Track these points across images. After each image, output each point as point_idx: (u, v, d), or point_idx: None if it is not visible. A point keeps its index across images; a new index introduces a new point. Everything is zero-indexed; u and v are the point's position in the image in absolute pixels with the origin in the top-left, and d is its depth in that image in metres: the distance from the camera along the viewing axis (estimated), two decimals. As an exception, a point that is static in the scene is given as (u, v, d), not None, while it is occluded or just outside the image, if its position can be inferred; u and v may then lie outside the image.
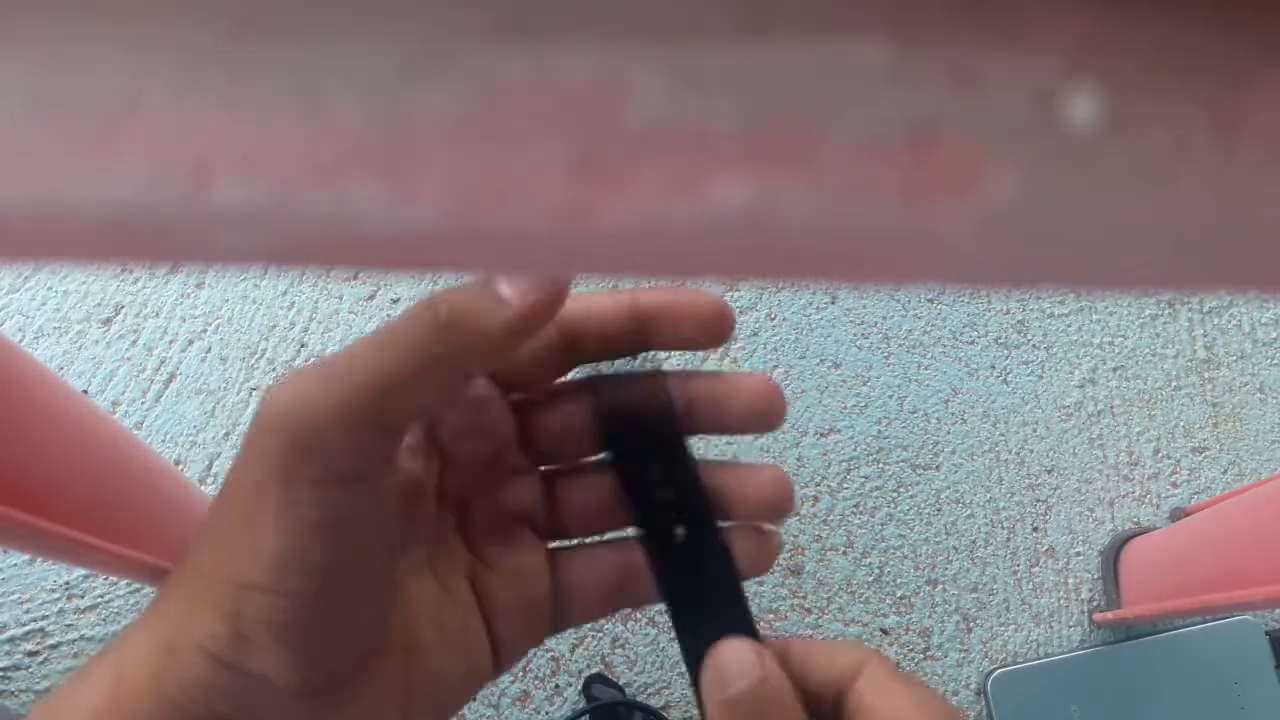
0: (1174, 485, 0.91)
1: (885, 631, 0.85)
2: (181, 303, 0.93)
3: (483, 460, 0.27)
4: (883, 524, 0.88)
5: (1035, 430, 0.92)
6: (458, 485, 0.27)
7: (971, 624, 0.85)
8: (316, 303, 0.94)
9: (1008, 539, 0.89)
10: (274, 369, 0.92)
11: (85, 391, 0.90)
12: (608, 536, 0.28)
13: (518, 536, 0.27)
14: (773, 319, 0.95)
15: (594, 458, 0.28)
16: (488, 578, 0.27)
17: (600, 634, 0.83)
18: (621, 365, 0.27)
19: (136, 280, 0.94)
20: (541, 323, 0.22)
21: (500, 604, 0.27)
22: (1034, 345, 0.95)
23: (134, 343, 0.92)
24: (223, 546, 0.22)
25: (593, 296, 0.26)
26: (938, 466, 0.90)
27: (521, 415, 0.27)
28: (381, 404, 0.21)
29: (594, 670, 0.81)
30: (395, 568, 0.25)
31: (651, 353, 0.27)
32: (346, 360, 0.21)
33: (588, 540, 0.28)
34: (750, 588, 0.30)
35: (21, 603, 0.82)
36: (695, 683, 0.25)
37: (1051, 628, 0.85)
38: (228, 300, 0.93)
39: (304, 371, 0.22)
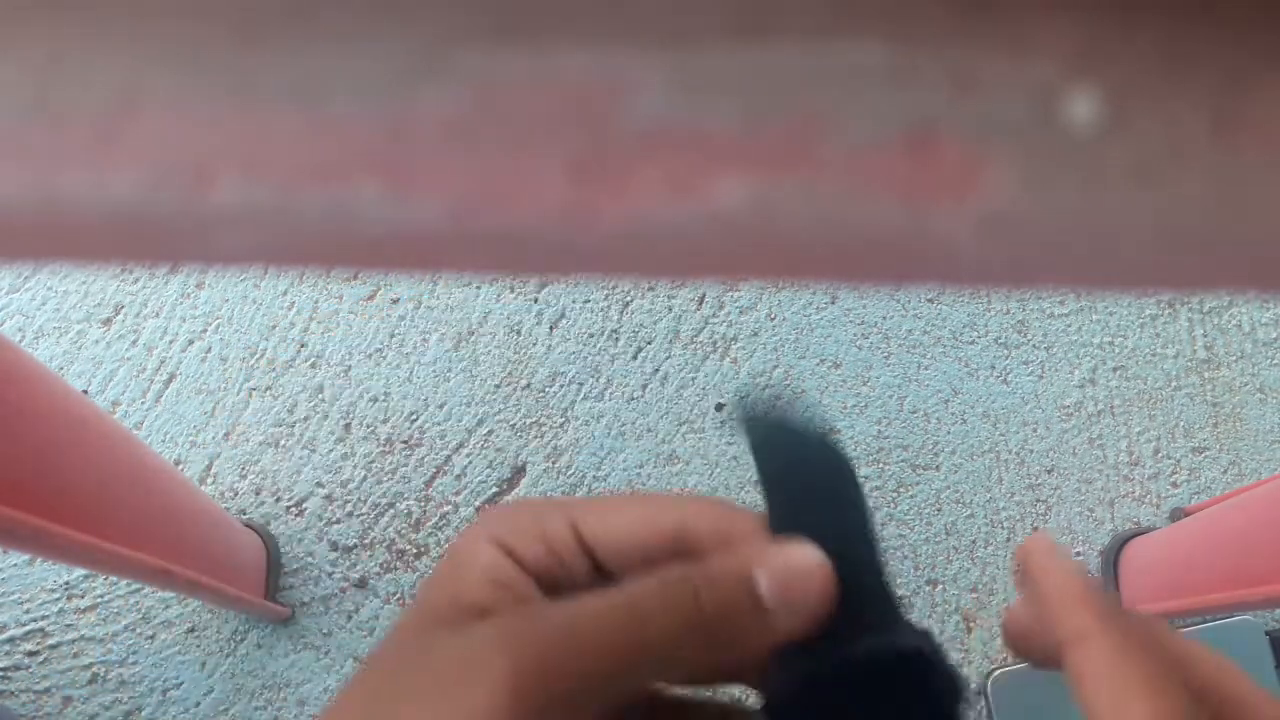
0: (1174, 485, 0.91)
1: (885, 631, 0.85)
2: (181, 303, 0.93)
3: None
4: (883, 524, 0.88)
5: (1035, 430, 0.92)
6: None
7: (971, 624, 0.85)
8: (316, 303, 0.94)
9: (1008, 539, 0.89)
10: (274, 369, 0.92)
11: (85, 391, 0.90)
12: None
13: None
14: (773, 319, 0.95)
15: None
16: None
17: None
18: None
19: (136, 280, 0.94)
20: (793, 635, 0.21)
21: None
22: (1034, 345, 0.95)
23: (134, 343, 0.92)
24: None
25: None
26: (938, 466, 0.90)
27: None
28: (624, 677, 0.20)
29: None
30: None
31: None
32: (595, 621, 0.20)
33: None
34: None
35: (21, 603, 0.82)
36: None
37: (1051, 628, 0.85)
38: (228, 300, 0.93)
39: (533, 614, 0.20)
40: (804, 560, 0.21)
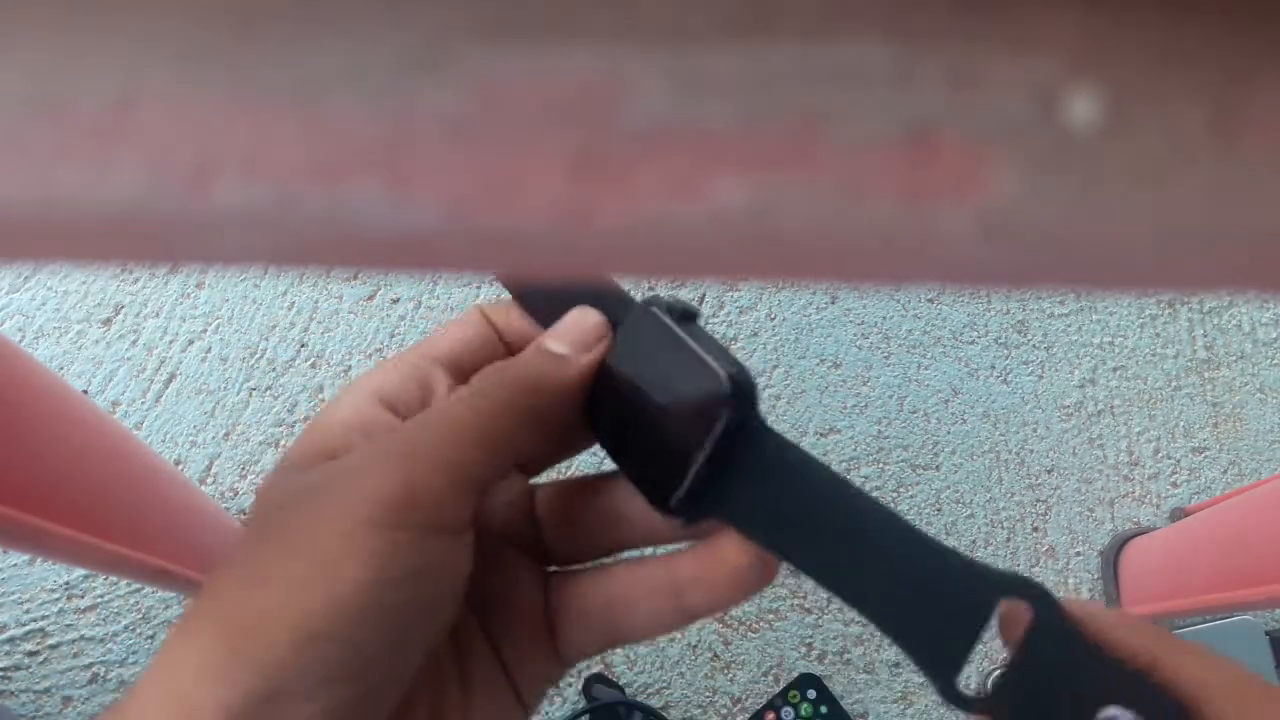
0: (1174, 485, 0.91)
1: (885, 631, 0.85)
2: (181, 303, 0.93)
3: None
4: (883, 524, 0.88)
5: (1035, 430, 0.92)
6: None
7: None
8: (316, 303, 0.94)
9: (1008, 539, 0.89)
10: (274, 369, 0.92)
11: (85, 391, 0.90)
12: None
13: (510, 560, 0.27)
14: (773, 319, 0.95)
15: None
16: (496, 615, 0.26)
17: (600, 634, 0.83)
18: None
19: (136, 280, 0.94)
20: (594, 371, 0.25)
21: (512, 642, 0.26)
22: (1034, 345, 0.95)
23: (134, 343, 0.92)
24: (274, 592, 0.20)
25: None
26: (938, 466, 0.90)
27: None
28: (485, 460, 0.23)
29: (594, 670, 0.81)
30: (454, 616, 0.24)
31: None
32: (448, 419, 0.23)
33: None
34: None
35: (21, 603, 0.82)
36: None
37: (1051, 628, 0.85)
38: (228, 300, 0.93)
39: (399, 431, 0.23)
40: (575, 313, 0.26)
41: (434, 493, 0.21)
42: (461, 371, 0.26)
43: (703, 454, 0.23)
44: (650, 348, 0.25)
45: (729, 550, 0.24)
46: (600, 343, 0.25)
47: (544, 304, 0.27)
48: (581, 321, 0.25)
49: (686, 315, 0.25)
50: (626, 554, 0.27)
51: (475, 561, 0.25)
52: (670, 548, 0.26)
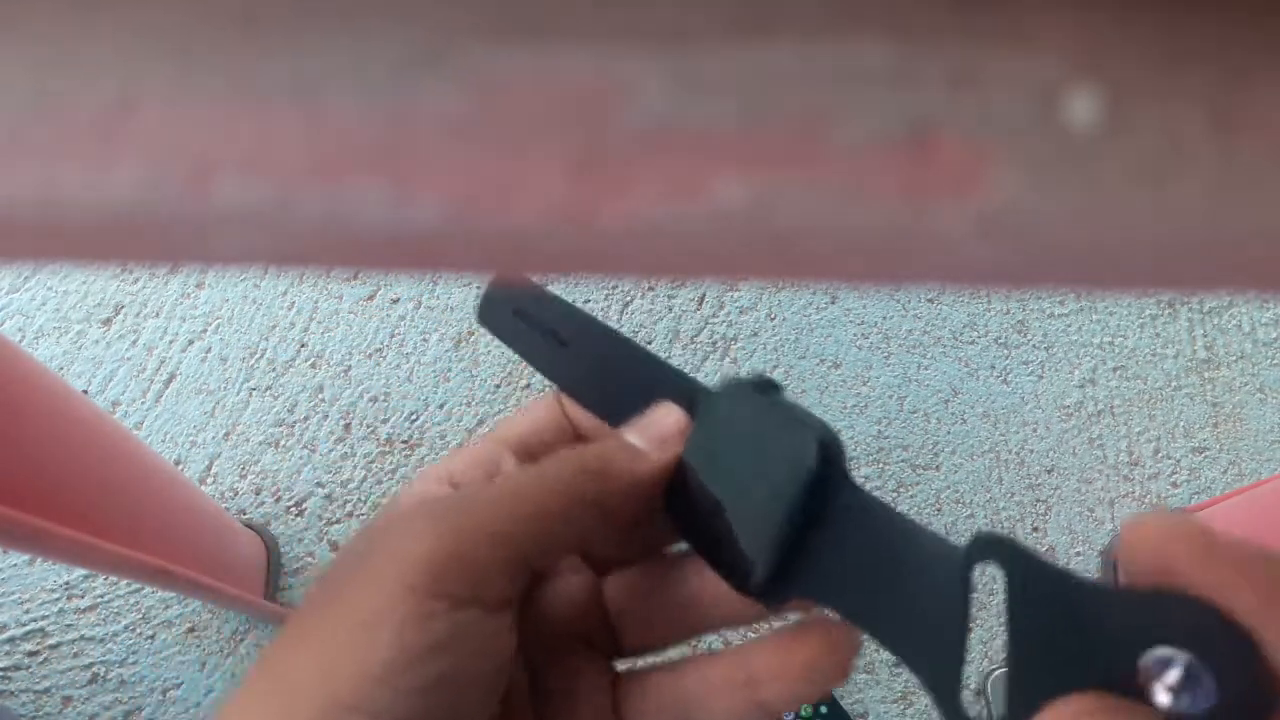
0: (1174, 485, 0.91)
1: (885, 631, 0.85)
2: (181, 303, 0.93)
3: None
4: (883, 524, 0.88)
5: (1035, 430, 0.92)
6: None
7: (971, 624, 0.85)
8: (316, 303, 0.94)
9: (1008, 539, 0.88)
10: (274, 369, 0.92)
11: (85, 391, 0.90)
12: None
13: (576, 657, 0.26)
14: (773, 319, 0.95)
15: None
16: (553, 706, 0.25)
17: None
18: None
19: (136, 280, 0.94)
20: (670, 470, 0.24)
21: None
22: (1034, 345, 0.95)
23: (134, 343, 0.92)
24: (309, 659, 0.20)
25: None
26: (938, 466, 0.90)
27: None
28: (536, 537, 0.22)
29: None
30: (495, 706, 0.23)
31: None
32: (502, 490, 0.22)
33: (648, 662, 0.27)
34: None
35: (21, 603, 0.82)
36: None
37: (1051, 628, 0.85)
38: (228, 300, 0.93)
39: (451, 495, 0.23)
40: (659, 410, 0.26)
41: (477, 561, 0.21)
42: (532, 457, 0.26)
43: (785, 528, 0.22)
44: (730, 425, 0.24)
45: (804, 645, 0.24)
46: (678, 440, 0.25)
47: (608, 401, 0.26)
48: (663, 419, 0.25)
49: (766, 387, 0.24)
50: (698, 647, 0.26)
51: (540, 658, 0.25)
52: (744, 630, 0.26)
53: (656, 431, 0.25)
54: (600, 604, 0.27)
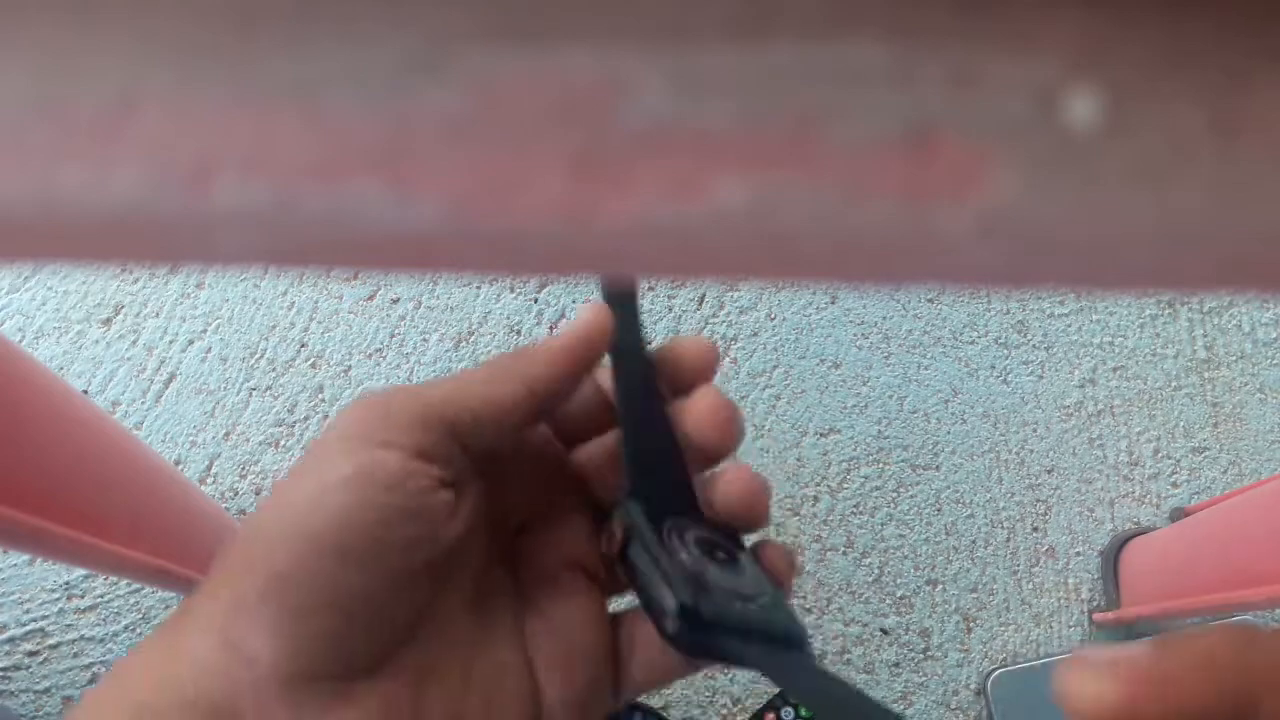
0: (1174, 485, 0.91)
1: (885, 631, 0.85)
2: (181, 303, 0.93)
3: (536, 494, 0.28)
4: (883, 524, 0.88)
5: (1035, 430, 0.92)
6: (506, 521, 0.27)
7: (971, 624, 0.85)
8: (316, 303, 0.94)
9: (1008, 539, 0.88)
10: (274, 369, 0.92)
11: (85, 391, 0.90)
12: None
13: (571, 583, 0.27)
14: (773, 319, 0.95)
15: None
16: (536, 624, 0.26)
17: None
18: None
19: (136, 280, 0.94)
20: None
21: (547, 654, 0.25)
22: (1034, 345, 0.95)
23: (134, 343, 0.92)
24: (282, 507, 0.22)
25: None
26: (938, 466, 0.90)
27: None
28: (538, 407, 0.25)
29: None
30: (440, 583, 0.24)
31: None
32: (512, 366, 0.25)
33: None
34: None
35: (21, 603, 0.82)
36: None
37: (1051, 628, 0.85)
38: (228, 300, 0.93)
39: (459, 375, 0.25)
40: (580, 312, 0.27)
41: (479, 429, 0.24)
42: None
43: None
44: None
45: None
46: (586, 336, 0.26)
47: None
48: (581, 317, 0.27)
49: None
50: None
51: (533, 581, 0.27)
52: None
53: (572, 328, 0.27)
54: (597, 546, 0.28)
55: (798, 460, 0.90)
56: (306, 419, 0.90)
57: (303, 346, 0.93)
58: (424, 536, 0.23)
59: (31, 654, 0.81)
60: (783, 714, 0.80)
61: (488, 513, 0.26)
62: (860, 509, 0.89)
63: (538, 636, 0.25)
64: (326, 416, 0.90)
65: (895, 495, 0.89)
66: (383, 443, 0.23)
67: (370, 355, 0.93)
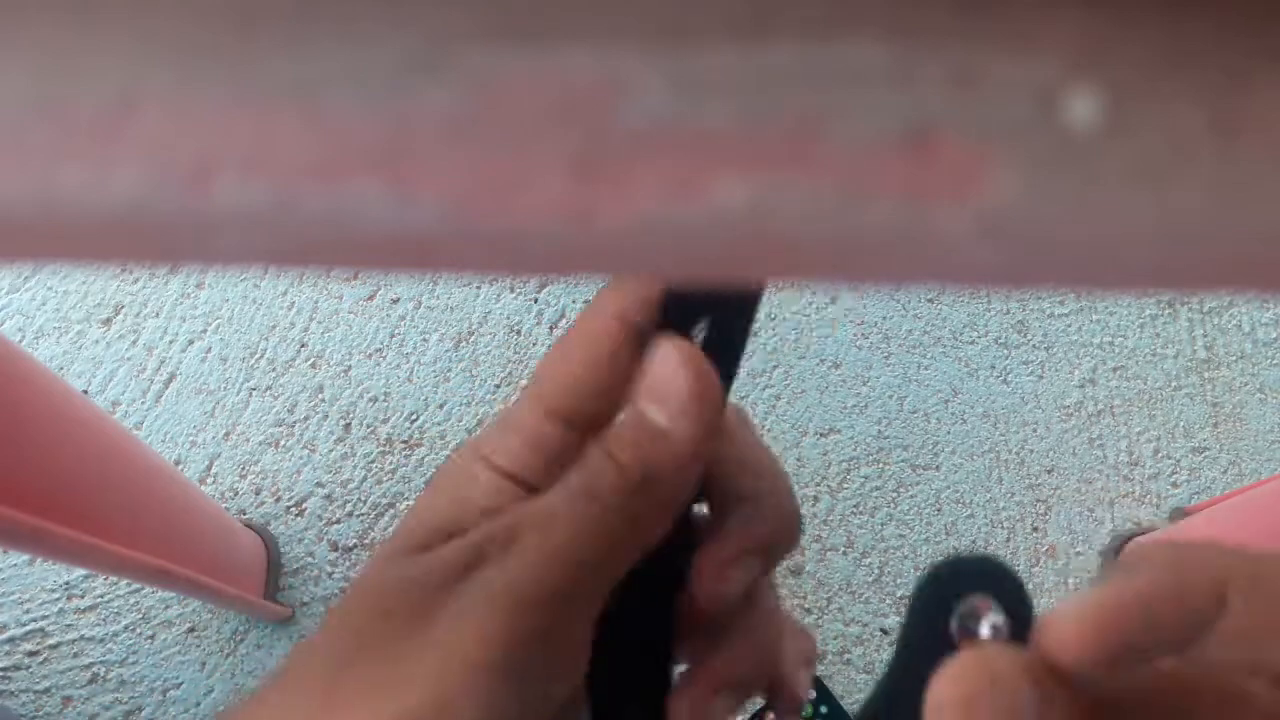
0: (1174, 485, 0.91)
1: (885, 631, 0.85)
2: (181, 303, 0.93)
3: None
4: (883, 524, 0.88)
5: (1035, 430, 0.92)
6: None
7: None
8: (316, 303, 0.94)
9: (1008, 539, 0.89)
10: (274, 369, 0.92)
11: (85, 391, 0.90)
12: None
13: None
14: (773, 319, 0.95)
15: None
16: None
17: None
18: None
19: (136, 280, 0.94)
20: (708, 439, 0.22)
21: None
22: (1034, 345, 0.95)
23: (134, 343, 0.92)
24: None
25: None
26: (938, 466, 0.90)
27: None
28: (602, 583, 0.22)
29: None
30: None
31: None
32: (560, 542, 0.21)
33: None
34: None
35: (21, 603, 0.82)
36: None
37: (1051, 628, 0.85)
38: (228, 300, 0.93)
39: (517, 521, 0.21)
40: (663, 363, 0.21)
41: (552, 635, 0.21)
42: (581, 418, 0.23)
43: None
44: None
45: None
46: (697, 398, 0.21)
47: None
48: (665, 373, 0.22)
49: None
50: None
51: None
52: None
53: (666, 394, 0.21)
54: None
55: (798, 460, 0.90)
56: (306, 419, 0.90)
57: (303, 346, 0.93)
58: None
59: (31, 654, 0.81)
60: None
61: None
62: (860, 509, 0.89)
63: None
64: (326, 417, 0.90)
65: (895, 495, 0.89)
66: (537, 678, 0.20)
67: (370, 355, 0.93)
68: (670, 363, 0.21)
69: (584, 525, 0.21)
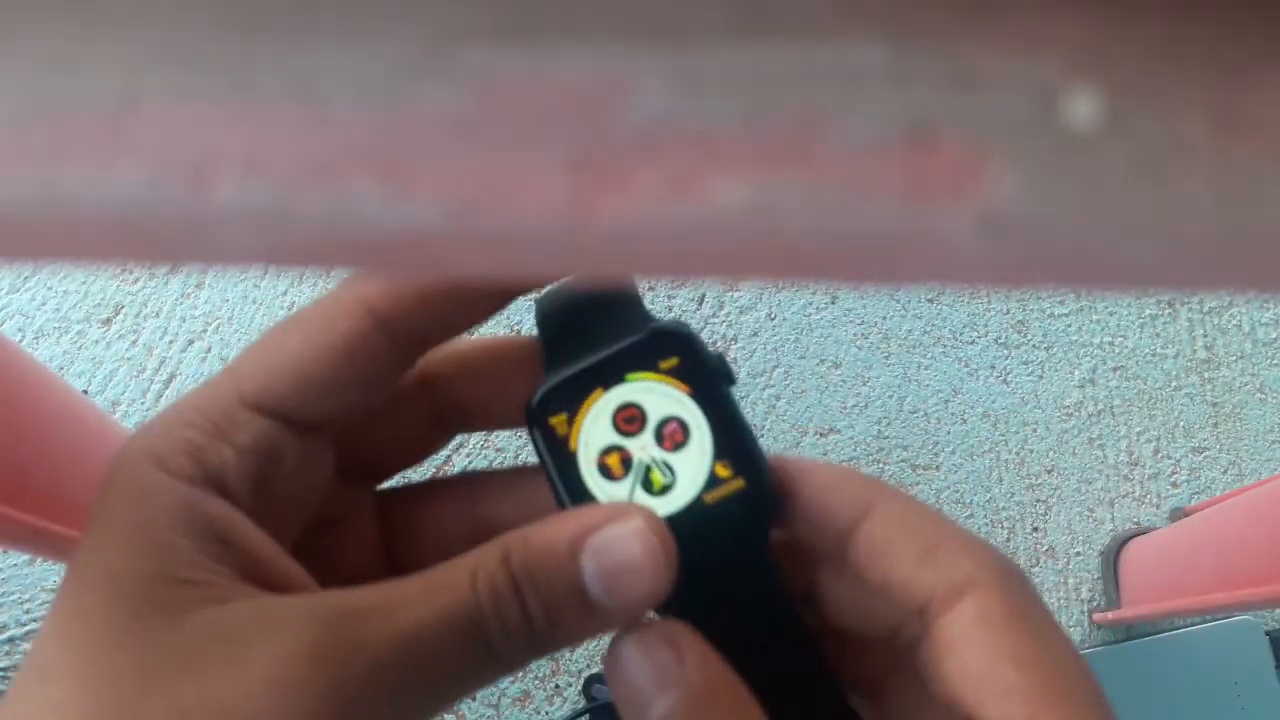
0: (1174, 485, 0.91)
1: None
2: (181, 303, 0.93)
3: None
4: (883, 524, 0.88)
5: (1035, 430, 0.92)
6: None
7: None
8: (316, 303, 0.94)
9: (1008, 539, 0.88)
10: (274, 369, 0.92)
11: (85, 391, 0.90)
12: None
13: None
14: (773, 319, 0.95)
15: None
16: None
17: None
18: None
19: (136, 280, 0.94)
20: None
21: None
22: (1034, 345, 0.95)
23: (134, 343, 0.92)
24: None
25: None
26: (938, 466, 0.90)
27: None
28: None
29: (594, 670, 0.81)
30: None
31: None
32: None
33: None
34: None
35: (21, 603, 0.82)
36: None
37: (1051, 628, 0.85)
38: (228, 300, 0.93)
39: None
40: (629, 547, 0.19)
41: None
42: (292, 417, 0.20)
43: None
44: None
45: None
46: (648, 598, 0.19)
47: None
48: (634, 562, 0.19)
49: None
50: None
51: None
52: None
53: (626, 586, 0.19)
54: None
55: (798, 460, 0.90)
56: (306, 419, 0.90)
57: (303, 346, 0.93)
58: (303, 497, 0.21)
59: (31, 654, 0.81)
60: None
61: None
62: (860, 509, 0.89)
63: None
64: (326, 416, 0.90)
65: (895, 495, 0.89)
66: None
67: (370, 355, 0.93)
68: (636, 543, 0.19)
69: (446, 653, 0.18)
